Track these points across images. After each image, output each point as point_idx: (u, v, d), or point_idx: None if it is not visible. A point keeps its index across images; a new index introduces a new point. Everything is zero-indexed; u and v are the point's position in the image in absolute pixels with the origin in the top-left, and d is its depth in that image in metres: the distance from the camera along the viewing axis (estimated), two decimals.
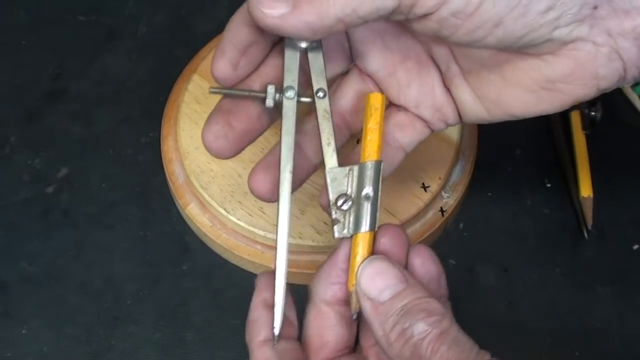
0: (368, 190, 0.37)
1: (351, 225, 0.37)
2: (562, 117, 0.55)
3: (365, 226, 0.37)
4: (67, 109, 0.56)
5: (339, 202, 0.37)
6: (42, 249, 0.51)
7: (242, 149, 0.39)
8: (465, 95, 0.40)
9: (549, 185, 0.53)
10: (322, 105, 0.38)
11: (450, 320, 0.34)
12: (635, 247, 0.51)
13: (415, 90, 0.41)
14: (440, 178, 0.50)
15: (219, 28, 0.59)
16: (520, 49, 0.36)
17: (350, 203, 0.37)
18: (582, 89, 0.37)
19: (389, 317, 0.34)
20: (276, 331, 0.37)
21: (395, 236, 0.37)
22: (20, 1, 0.62)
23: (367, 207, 0.37)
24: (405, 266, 0.37)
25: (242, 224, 0.48)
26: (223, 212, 0.49)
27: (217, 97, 0.53)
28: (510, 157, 0.54)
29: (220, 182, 0.50)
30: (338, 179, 0.38)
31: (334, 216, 0.37)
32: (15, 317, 0.48)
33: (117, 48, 0.60)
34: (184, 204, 0.51)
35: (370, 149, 0.37)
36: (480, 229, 0.51)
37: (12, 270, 0.50)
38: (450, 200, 0.51)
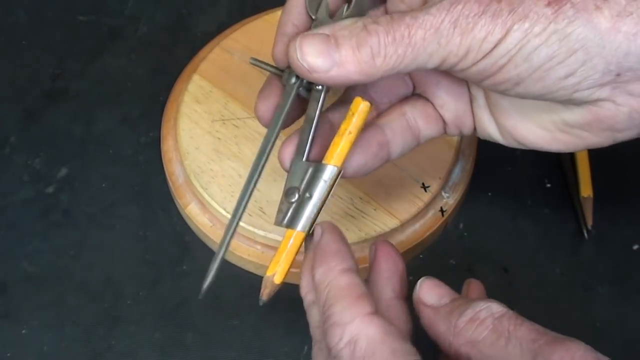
0: (313, 191, 0.37)
1: (289, 219, 0.38)
2: None
3: (298, 225, 0.38)
4: (67, 109, 0.57)
5: (289, 194, 0.38)
6: (42, 249, 0.51)
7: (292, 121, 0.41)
8: (484, 115, 0.41)
9: (549, 185, 0.53)
10: (316, 98, 0.39)
11: None
12: (635, 247, 0.51)
13: (443, 91, 0.41)
14: (440, 178, 0.50)
15: (219, 28, 0.59)
16: (544, 100, 0.37)
17: (296, 197, 0.38)
18: (598, 138, 0.38)
19: (454, 310, 0.35)
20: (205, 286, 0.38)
21: (390, 257, 0.39)
22: (20, 1, 0.62)
23: (306, 208, 0.37)
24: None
25: (242, 224, 0.48)
26: (223, 212, 0.49)
27: (216, 98, 0.53)
28: (510, 157, 0.54)
29: (220, 182, 0.50)
30: (297, 173, 0.38)
31: (280, 205, 0.38)
32: (15, 317, 0.48)
33: (117, 48, 0.60)
34: (184, 204, 0.51)
35: (332, 153, 0.37)
36: (480, 229, 0.51)
37: (12, 270, 0.50)
38: (450, 200, 0.51)
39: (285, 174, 0.39)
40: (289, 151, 0.39)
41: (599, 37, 0.33)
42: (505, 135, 0.41)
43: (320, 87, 0.39)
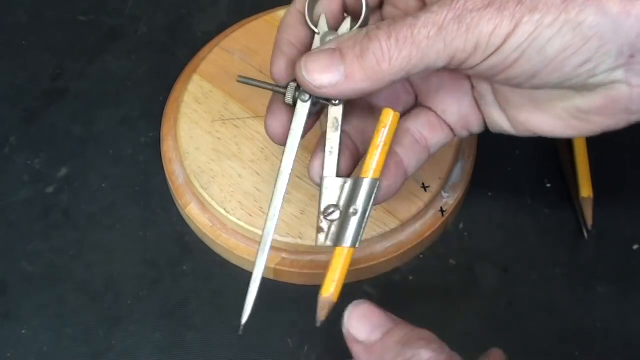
0: (357, 206, 0.37)
1: (334, 236, 0.38)
2: None
3: (346, 242, 0.37)
4: (67, 109, 0.56)
5: (328, 212, 0.38)
6: (42, 249, 0.51)
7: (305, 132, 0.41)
8: (493, 111, 0.41)
9: (549, 185, 0.53)
10: (334, 113, 0.39)
11: (450, 349, 0.33)
12: (635, 247, 0.51)
13: (443, 96, 0.41)
14: (440, 178, 0.50)
15: (219, 28, 0.59)
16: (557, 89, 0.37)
17: (337, 214, 0.38)
18: (613, 121, 0.37)
19: (386, 353, 0.33)
20: (243, 320, 0.38)
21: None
22: (20, 1, 0.62)
23: (352, 223, 0.37)
24: None
25: (242, 224, 0.48)
26: (223, 212, 0.49)
27: (216, 99, 0.53)
28: (510, 157, 0.54)
29: (220, 182, 0.50)
30: (331, 189, 0.38)
31: (319, 224, 0.38)
32: (15, 317, 0.48)
33: (117, 48, 0.60)
34: (184, 204, 0.51)
35: (369, 166, 0.38)
36: (480, 229, 0.51)
37: (12, 270, 0.50)
38: (450, 200, 0.51)
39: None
40: (318, 167, 0.39)
41: (611, 22, 0.33)
42: (518, 127, 0.40)
43: (337, 101, 0.39)
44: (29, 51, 0.59)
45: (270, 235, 0.39)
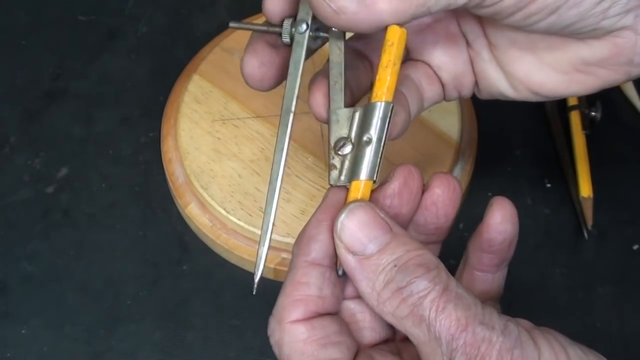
0: (371, 134, 0.33)
1: (348, 172, 0.34)
2: (562, 117, 0.55)
3: (363, 174, 0.33)
4: (67, 109, 0.57)
5: (338, 146, 0.34)
6: (42, 249, 0.51)
7: (282, 79, 0.37)
8: (490, 70, 0.40)
9: (549, 185, 0.53)
10: (336, 42, 0.36)
11: (447, 273, 0.31)
12: (635, 247, 0.51)
13: (439, 51, 0.40)
14: None
15: (219, 28, 0.59)
16: (565, 34, 0.36)
17: (350, 147, 0.34)
18: (615, 74, 0.37)
19: (379, 273, 0.31)
20: (256, 279, 0.35)
21: (450, 188, 0.35)
22: (20, 1, 0.62)
23: (367, 153, 0.33)
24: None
25: (242, 224, 0.48)
26: (223, 212, 0.49)
27: (216, 98, 0.53)
28: (510, 157, 0.54)
29: (220, 182, 0.50)
30: (341, 121, 0.34)
31: (331, 161, 0.34)
32: (15, 317, 0.48)
33: (117, 48, 0.60)
34: (184, 204, 0.51)
35: (379, 89, 0.33)
36: None
37: (12, 270, 0.50)
38: None
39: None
40: (320, 98, 0.36)
41: None
42: (518, 86, 0.39)
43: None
44: (29, 51, 0.59)
45: (280, 175, 0.35)
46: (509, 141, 0.55)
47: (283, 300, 0.33)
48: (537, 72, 0.39)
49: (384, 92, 0.33)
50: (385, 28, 0.34)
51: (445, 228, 0.36)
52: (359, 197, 0.33)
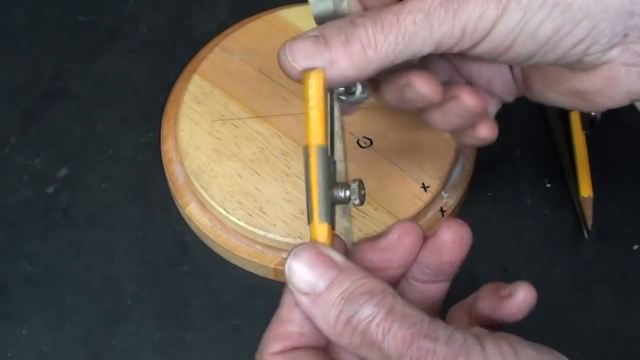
0: (305, 178, 0.35)
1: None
2: (562, 117, 0.55)
3: (309, 218, 0.35)
4: (67, 109, 0.56)
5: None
6: (42, 249, 0.51)
7: None
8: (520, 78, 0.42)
9: (549, 185, 0.53)
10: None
11: (393, 296, 0.32)
12: (635, 247, 0.51)
13: (486, 70, 0.41)
14: (440, 178, 0.50)
15: (219, 28, 0.59)
16: (557, 66, 0.37)
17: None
18: (613, 102, 0.37)
19: (330, 308, 0.32)
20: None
21: (458, 236, 0.36)
22: (20, 1, 0.62)
23: (310, 197, 0.35)
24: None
25: (242, 224, 0.48)
26: (223, 212, 0.49)
27: (216, 98, 0.53)
28: (510, 157, 0.54)
29: (220, 182, 0.50)
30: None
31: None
32: (15, 317, 0.48)
33: (117, 48, 0.60)
34: (184, 204, 0.51)
35: (308, 132, 0.35)
36: (480, 229, 0.51)
37: (12, 270, 0.50)
38: (450, 200, 0.51)
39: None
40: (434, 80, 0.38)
41: (600, 1, 0.33)
42: (537, 97, 0.41)
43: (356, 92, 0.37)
44: (29, 51, 0.59)
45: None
46: (509, 141, 0.55)
47: (267, 335, 0.35)
48: (546, 90, 0.40)
49: (308, 135, 0.35)
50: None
51: (450, 273, 0.37)
52: (310, 239, 0.34)
